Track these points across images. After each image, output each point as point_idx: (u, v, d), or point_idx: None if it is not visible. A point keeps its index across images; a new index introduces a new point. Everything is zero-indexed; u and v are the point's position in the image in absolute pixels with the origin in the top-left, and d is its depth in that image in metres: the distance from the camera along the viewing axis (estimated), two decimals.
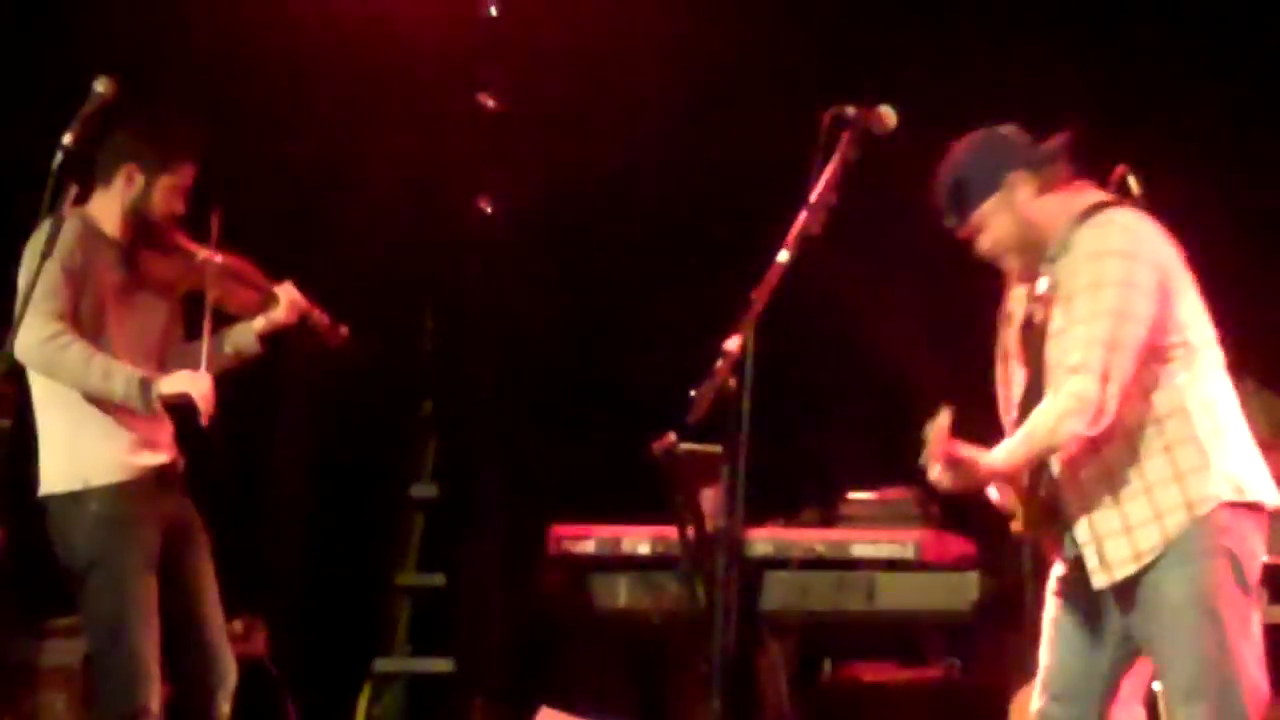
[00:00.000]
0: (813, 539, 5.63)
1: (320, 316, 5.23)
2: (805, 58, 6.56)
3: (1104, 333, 3.75)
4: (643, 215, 6.78)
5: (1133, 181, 4.69)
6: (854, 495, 5.75)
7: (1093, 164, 4.90)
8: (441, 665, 6.88)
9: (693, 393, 3.87)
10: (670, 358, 4.99)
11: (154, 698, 4.87)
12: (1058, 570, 4.01)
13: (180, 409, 5.07)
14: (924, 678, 6.27)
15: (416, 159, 6.70)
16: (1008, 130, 4.04)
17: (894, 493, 5.85)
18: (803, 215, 3.89)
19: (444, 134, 6.77)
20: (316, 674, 6.46)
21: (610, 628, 6.16)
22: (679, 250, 6.73)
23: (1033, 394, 3.99)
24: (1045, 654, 4.00)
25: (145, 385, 4.94)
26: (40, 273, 4.75)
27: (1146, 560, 3.75)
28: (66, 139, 4.59)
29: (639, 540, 5.90)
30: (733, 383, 3.90)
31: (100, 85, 4.68)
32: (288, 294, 5.14)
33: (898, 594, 5.58)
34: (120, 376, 4.91)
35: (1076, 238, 3.83)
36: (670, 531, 5.61)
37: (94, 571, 4.90)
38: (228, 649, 5.07)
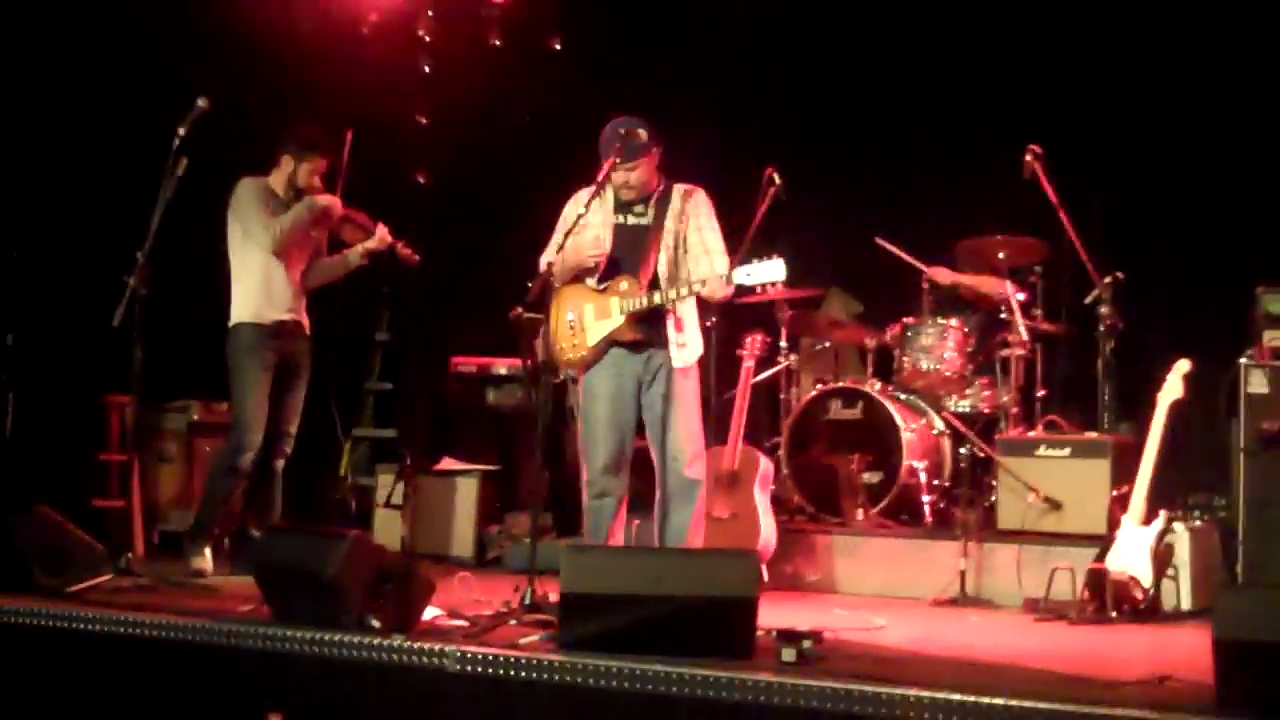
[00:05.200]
0: None
1: (403, 249, 6.14)
2: None
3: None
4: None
5: (776, 177, 6.45)
6: None
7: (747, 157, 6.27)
8: (389, 433, 8.17)
9: (529, 284, 5.01)
10: (529, 251, 5.61)
11: (258, 439, 6.06)
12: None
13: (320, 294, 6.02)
14: None
15: None
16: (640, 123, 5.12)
17: None
18: None
19: None
20: (320, 440, 7.50)
21: (484, 416, 7.49)
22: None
23: (616, 266, 5.20)
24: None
25: (311, 202, 5.85)
26: (247, 204, 5.83)
27: None
28: (180, 131, 5.56)
29: (501, 366, 7.37)
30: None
31: (201, 101, 5.58)
32: (381, 232, 6.09)
33: None
34: (303, 206, 5.82)
35: (674, 191, 5.23)
36: (518, 362, 6.95)
37: (235, 370, 6.03)
38: (293, 435, 6.14)
